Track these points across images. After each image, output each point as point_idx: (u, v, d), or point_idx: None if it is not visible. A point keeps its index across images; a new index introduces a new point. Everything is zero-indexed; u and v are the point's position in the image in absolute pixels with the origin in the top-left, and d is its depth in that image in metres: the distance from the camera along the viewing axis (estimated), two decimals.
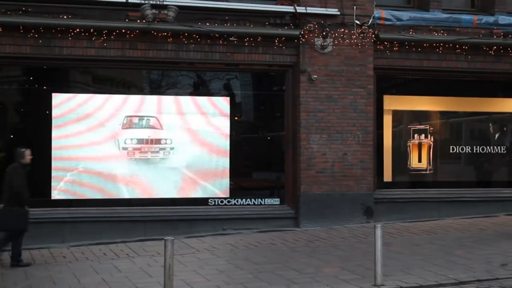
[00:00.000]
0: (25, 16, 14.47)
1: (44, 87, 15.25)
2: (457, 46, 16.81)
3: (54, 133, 15.03)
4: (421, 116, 17.55)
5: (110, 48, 15.04)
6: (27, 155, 12.80)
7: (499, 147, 17.80)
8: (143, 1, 14.68)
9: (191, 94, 16.19)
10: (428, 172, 17.39)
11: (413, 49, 16.66)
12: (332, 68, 16.01)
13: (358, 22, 16.05)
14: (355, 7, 16.02)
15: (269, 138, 16.99)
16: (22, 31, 14.46)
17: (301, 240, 14.27)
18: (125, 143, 15.50)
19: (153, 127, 15.65)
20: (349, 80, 16.10)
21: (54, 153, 15.04)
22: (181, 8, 14.83)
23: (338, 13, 16.00)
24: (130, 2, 14.80)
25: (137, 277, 11.13)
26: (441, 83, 17.63)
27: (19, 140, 15.20)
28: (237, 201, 15.89)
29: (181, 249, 13.36)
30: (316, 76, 15.84)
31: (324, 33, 15.81)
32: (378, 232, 10.22)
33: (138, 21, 14.86)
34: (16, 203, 12.49)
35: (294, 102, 16.02)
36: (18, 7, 14.52)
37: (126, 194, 15.51)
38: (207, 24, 15.31)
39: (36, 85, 15.40)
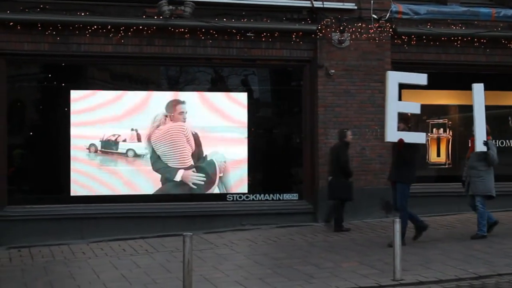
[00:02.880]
0: (43, 14, 14.53)
1: (63, 84, 15.31)
2: (475, 39, 16.74)
3: (73, 130, 15.09)
4: (440, 110, 17.48)
5: (127, 45, 15.08)
6: (349, 134, 14.97)
7: None
8: None
9: (208, 90, 16.20)
10: (447, 166, 17.32)
11: (431, 43, 16.60)
12: (350, 63, 15.97)
13: (375, 16, 16.01)
14: (372, 1, 15.99)
15: (287, 133, 16.96)
16: (40, 28, 14.53)
17: (320, 235, 14.27)
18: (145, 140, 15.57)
19: (173, 123, 15.67)
20: (367, 74, 16.06)
21: (73, 149, 15.09)
22: (197, 3, 14.85)
23: (355, 7, 15.97)
24: None
25: (156, 273, 11.16)
26: (460, 77, 17.51)
27: (38, 137, 15.34)
28: (256, 197, 15.90)
29: (200, 244, 13.39)
30: (333, 71, 15.81)
31: (341, 28, 15.78)
32: (397, 226, 10.20)
33: (155, 17, 14.90)
34: (343, 176, 14.66)
35: (311, 97, 15.99)
36: (36, 4, 14.59)
37: (145, 190, 15.54)
38: (224, 19, 15.32)
39: (55, 82, 15.45)
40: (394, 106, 12.69)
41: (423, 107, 17.13)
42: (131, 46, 15.11)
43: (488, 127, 13.51)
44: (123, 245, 13.97)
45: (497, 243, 12.80)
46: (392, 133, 12.69)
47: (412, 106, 13.27)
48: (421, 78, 13.28)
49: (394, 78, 12.88)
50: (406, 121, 13.10)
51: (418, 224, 13.26)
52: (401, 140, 12.67)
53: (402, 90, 16.72)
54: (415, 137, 13.04)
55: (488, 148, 13.21)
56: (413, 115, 13.64)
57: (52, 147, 15.24)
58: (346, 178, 14.77)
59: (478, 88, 13.53)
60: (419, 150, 13.51)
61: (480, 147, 13.23)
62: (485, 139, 13.20)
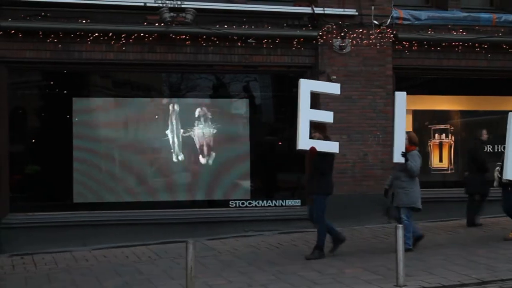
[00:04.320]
0: (45, 21, 14.55)
1: (64, 92, 15.32)
2: (477, 44, 16.76)
3: (75, 137, 15.09)
4: (442, 115, 17.49)
5: (129, 52, 15.10)
6: (484, 133, 15.89)
7: None
8: (161, 4, 14.72)
9: (210, 96, 16.22)
10: (449, 172, 17.33)
11: (432, 48, 16.62)
12: (351, 69, 15.99)
13: (376, 22, 16.02)
14: (373, 7, 15.99)
15: (289, 139, 16.94)
16: (41, 36, 14.54)
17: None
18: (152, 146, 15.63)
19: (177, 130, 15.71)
20: (368, 80, 16.07)
21: (75, 157, 15.09)
22: (199, 10, 14.87)
23: (356, 13, 15.98)
24: (148, 6, 14.84)
25: (159, 280, 11.15)
26: (461, 82, 17.56)
27: (40, 144, 15.35)
28: (258, 203, 15.90)
29: (202, 251, 13.39)
30: (335, 77, 15.81)
31: (342, 34, 15.80)
32: (400, 232, 10.19)
33: (157, 24, 14.92)
34: (479, 172, 15.29)
35: (313, 103, 15.96)
36: (37, 12, 14.61)
37: (148, 197, 15.56)
38: (225, 26, 15.33)
39: (56, 90, 15.46)
40: (306, 114, 12.44)
41: (425, 112, 17.28)
42: (133, 53, 15.12)
43: (415, 137, 13.23)
44: (126, 252, 13.97)
45: (500, 248, 12.78)
46: (304, 141, 12.36)
47: (325, 115, 12.93)
48: (335, 88, 13.13)
49: (306, 86, 12.63)
50: (322, 130, 12.78)
51: (335, 236, 12.85)
52: (313, 149, 12.31)
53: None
54: (329, 146, 12.65)
55: (406, 160, 12.72)
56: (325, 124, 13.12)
57: (54, 154, 15.24)
58: (483, 174, 15.36)
59: (400, 96, 13.02)
60: (334, 159, 12.93)
61: (397, 158, 12.79)
62: (403, 150, 12.75)
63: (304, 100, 12.50)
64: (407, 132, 13.09)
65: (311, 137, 12.49)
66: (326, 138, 12.77)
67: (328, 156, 12.59)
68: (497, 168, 13.77)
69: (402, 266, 10.05)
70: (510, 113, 13.61)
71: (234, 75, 16.43)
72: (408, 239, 12.66)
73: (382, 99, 16.13)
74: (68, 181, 15.06)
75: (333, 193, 12.79)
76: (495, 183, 13.92)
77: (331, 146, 12.71)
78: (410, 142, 12.98)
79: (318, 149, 12.34)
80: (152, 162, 15.71)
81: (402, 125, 12.86)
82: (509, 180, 13.40)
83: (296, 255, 12.86)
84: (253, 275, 11.25)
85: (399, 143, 12.80)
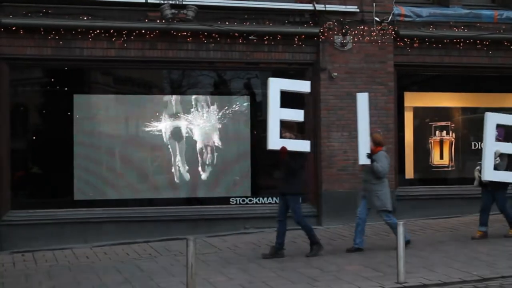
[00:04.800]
0: (46, 18, 14.56)
1: (65, 88, 15.33)
2: (478, 41, 16.73)
3: (76, 134, 15.10)
4: (442, 112, 17.48)
5: (130, 49, 15.09)
6: None
7: None
8: (162, 1, 14.70)
9: (211, 93, 16.21)
10: (450, 169, 17.32)
11: (434, 45, 16.60)
12: (352, 66, 15.98)
13: (377, 19, 16.01)
14: (374, 4, 15.99)
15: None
16: (42, 32, 14.55)
17: (323, 238, 14.21)
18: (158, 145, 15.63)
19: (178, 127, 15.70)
20: (369, 77, 16.06)
21: (76, 154, 15.10)
22: (200, 7, 14.86)
23: (358, 10, 15.97)
24: (150, 2, 14.84)
25: (160, 277, 11.16)
26: (462, 79, 17.56)
27: (41, 141, 15.36)
28: (259, 200, 15.90)
29: (203, 248, 13.39)
30: (336, 74, 15.82)
31: (343, 31, 15.78)
32: (401, 229, 10.18)
33: (158, 21, 14.91)
34: None
35: (314, 100, 15.99)
36: (39, 9, 14.61)
37: (148, 194, 15.57)
38: (227, 23, 15.32)
39: (57, 87, 15.47)
40: (276, 113, 12.23)
41: (426, 109, 17.26)
42: (134, 50, 15.12)
43: (380, 137, 13.02)
44: (126, 249, 13.98)
45: (501, 245, 12.79)
46: (274, 141, 12.17)
47: (295, 114, 12.67)
48: (304, 86, 12.94)
49: (276, 84, 12.42)
50: (291, 129, 12.58)
51: (279, 243, 12.51)
52: (283, 148, 12.12)
53: (405, 92, 16.89)
54: (299, 145, 12.41)
55: (372, 161, 12.55)
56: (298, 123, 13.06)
57: (55, 151, 15.24)
58: None
59: (362, 97, 12.85)
60: (306, 159, 12.84)
61: (363, 160, 12.59)
62: (369, 152, 12.57)
63: (273, 99, 12.27)
64: (371, 134, 12.82)
65: (282, 137, 12.32)
66: (297, 137, 12.62)
67: (300, 155, 12.40)
68: (478, 167, 13.65)
69: (403, 263, 10.04)
70: (486, 112, 13.56)
71: (235, 72, 16.42)
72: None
73: (384, 96, 16.12)
74: (69, 178, 15.06)
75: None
76: (475, 183, 13.78)
77: (302, 145, 12.48)
78: (375, 143, 12.78)
79: (289, 148, 12.16)
80: (152, 159, 15.71)
81: (365, 126, 12.65)
82: (489, 181, 13.33)
83: (296, 252, 12.86)
84: (254, 272, 11.26)
85: (364, 145, 12.60)
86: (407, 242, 12.53)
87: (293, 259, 12.23)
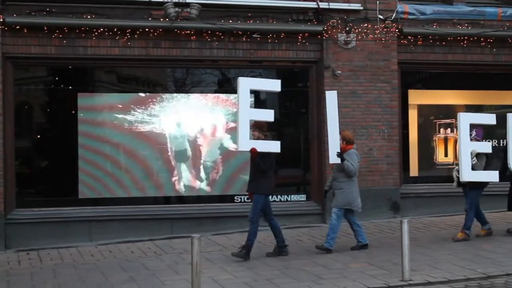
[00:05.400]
0: (49, 17, 14.57)
1: (70, 87, 15.35)
2: (482, 39, 16.71)
3: (80, 133, 15.11)
4: (447, 110, 17.46)
5: (134, 47, 15.10)
6: None
7: None
8: (166, 0, 14.70)
9: (215, 91, 16.22)
10: (454, 166, 17.25)
11: (437, 43, 16.57)
12: (356, 64, 15.97)
13: (381, 16, 16.00)
14: (378, 1, 15.97)
15: (294, 134, 16.96)
16: (46, 31, 14.56)
17: None
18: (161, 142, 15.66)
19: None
20: (373, 75, 16.05)
21: (81, 152, 15.12)
22: (203, 5, 14.86)
23: (361, 8, 15.96)
24: (153, 1, 14.85)
25: (165, 275, 11.18)
26: (466, 76, 17.54)
27: (45, 140, 15.41)
28: None
29: (208, 246, 13.41)
30: (340, 72, 15.82)
31: (347, 29, 15.78)
32: (405, 227, 10.19)
33: (161, 19, 14.91)
34: None
35: (318, 98, 15.98)
36: (42, 8, 14.62)
37: (152, 192, 15.58)
38: (230, 21, 15.33)
39: (62, 85, 15.50)
40: (246, 114, 12.05)
41: (430, 107, 17.25)
42: (138, 48, 15.13)
43: (349, 135, 12.86)
44: (131, 247, 14.00)
45: (506, 243, 12.79)
46: (244, 142, 11.99)
47: (265, 114, 12.58)
48: (275, 85, 12.74)
49: (245, 84, 12.21)
50: (262, 129, 12.32)
51: (249, 244, 12.31)
52: (253, 150, 11.94)
53: (409, 90, 16.89)
54: (269, 146, 12.24)
55: (343, 160, 12.40)
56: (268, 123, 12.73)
57: (59, 149, 15.27)
58: None
59: (331, 96, 12.70)
60: (275, 159, 12.55)
61: (333, 158, 12.46)
62: (339, 150, 12.39)
63: (243, 99, 12.08)
64: (341, 132, 12.70)
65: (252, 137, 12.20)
66: (266, 137, 12.41)
67: (269, 156, 12.22)
68: (456, 168, 13.54)
69: (408, 260, 10.06)
70: (459, 113, 13.40)
71: (239, 70, 16.38)
72: (331, 239, 12.54)
73: (388, 93, 16.11)
74: (74, 176, 15.08)
75: (271, 193, 12.72)
76: (455, 184, 13.67)
77: (272, 146, 12.31)
78: (344, 141, 12.65)
79: (259, 149, 11.98)
80: (157, 157, 15.70)
81: (335, 125, 12.51)
82: (467, 182, 13.16)
83: (301, 250, 12.87)
84: (259, 270, 11.27)
85: (334, 144, 12.47)
86: (363, 246, 12.63)
87: (298, 257, 12.23)
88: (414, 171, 17.00)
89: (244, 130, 12.03)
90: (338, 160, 12.44)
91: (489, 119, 13.65)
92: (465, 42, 16.68)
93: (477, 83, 17.69)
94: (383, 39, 16.05)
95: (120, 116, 15.43)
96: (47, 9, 14.63)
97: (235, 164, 15.89)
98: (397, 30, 16.16)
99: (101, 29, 14.76)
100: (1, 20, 14.20)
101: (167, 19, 14.85)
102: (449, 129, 17.22)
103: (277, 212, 15.25)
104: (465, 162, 12.96)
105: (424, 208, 16.37)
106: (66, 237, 14.50)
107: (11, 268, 12.53)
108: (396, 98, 16.27)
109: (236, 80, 16.26)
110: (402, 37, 16.29)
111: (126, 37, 14.92)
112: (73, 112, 15.17)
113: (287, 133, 16.94)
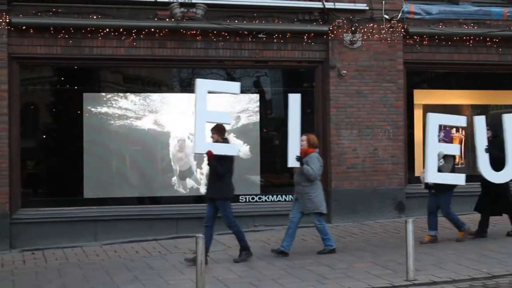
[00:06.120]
0: (56, 17, 14.59)
1: (75, 87, 15.39)
2: (488, 39, 16.68)
3: (86, 133, 15.14)
4: (452, 110, 17.32)
5: (139, 47, 15.12)
6: None
7: None
8: (172, 0, 14.72)
9: (221, 91, 16.17)
10: (459, 166, 17.24)
11: (443, 42, 16.55)
12: (362, 63, 15.96)
13: (387, 16, 15.99)
14: (384, 1, 15.96)
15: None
16: (52, 32, 14.59)
17: (333, 236, 14.19)
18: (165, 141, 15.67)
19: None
20: (379, 75, 16.04)
21: (86, 152, 15.13)
22: (209, 6, 14.87)
23: (367, 8, 15.95)
24: (159, 1, 14.86)
25: (170, 274, 11.20)
26: (472, 76, 17.51)
27: (51, 140, 15.45)
28: (268, 198, 15.91)
29: (212, 246, 13.36)
30: (345, 72, 15.81)
31: (353, 28, 15.76)
32: (410, 227, 10.19)
33: (167, 19, 14.92)
34: None
35: (324, 98, 15.99)
36: (48, 8, 14.65)
37: (157, 192, 15.60)
38: (236, 21, 15.35)
39: (67, 86, 15.53)
40: (203, 116, 11.76)
41: (435, 107, 17.21)
42: (143, 48, 15.14)
43: (315, 138, 12.69)
44: (136, 247, 14.02)
45: (511, 243, 12.75)
46: (200, 145, 11.76)
47: (222, 116, 12.41)
48: (234, 87, 12.54)
49: (203, 86, 11.94)
50: (221, 132, 12.09)
51: (242, 244, 12.24)
52: (210, 152, 11.68)
53: (414, 90, 16.87)
54: (226, 149, 12.02)
55: (302, 164, 12.14)
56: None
57: (65, 150, 15.31)
58: None
59: (293, 98, 12.38)
60: (233, 162, 12.29)
61: (292, 162, 12.18)
62: (298, 154, 12.09)
63: (200, 101, 11.79)
64: (306, 134, 12.55)
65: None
66: (224, 140, 12.20)
67: (226, 159, 11.99)
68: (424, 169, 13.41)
69: (412, 260, 10.06)
70: (428, 113, 13.22)
71: (244, 70, 16.43)
72: (328, 241, 12.50)
73: (393, 93, 16.10)
74: (79, 176, 15.11)
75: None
76: (423, 185, 13.53)
77: (229, 149, 12.14)
78: (309, 144, 12.45)
79: (215, 152, 11.75)
80: (162, 157, 15.72)
81: (296, 128, 12.25)
82: (433, 183, 12.98)
83: (305, 250, 12.88)
84: (263, 269, 11.28)
85: (294, 147, 12.19)
86: (331, 251, 12.48)
87: (302, 256, 12.23)
88: (419, 171, 16.95)
89: (201, 133, 11.81)
90: (297, 164, 12.19)
91: (459, 121, 13.35)
92: (471, 42, 16.65)
93: (483, 83, 17.66)
94: (388, 39, 16.04)
95: (126, 116, 15.45)
96: (53, 10, 14.66)
97: (240, 164, 15.86)
98: (402, 30, 16.14)
99: (107, 30, 14.78)
100: (7, 20, 14.23)
101: (172, 20, 14.86)
102: (454, 129, 17.17)
103: (281, 212, 15.34)
104: (431, 164, 12.63)
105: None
106: (71, 236, 14.53)
107: (16, 267, 12.57)
108: (401, 98, 16.26)
109: (242, 80, 16.43)
110: (407, 37, 16.28)
111: (132, 38, 14.94)
112: (79, 112, 15.20)
113: None
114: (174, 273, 11.36)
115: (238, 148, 12.26)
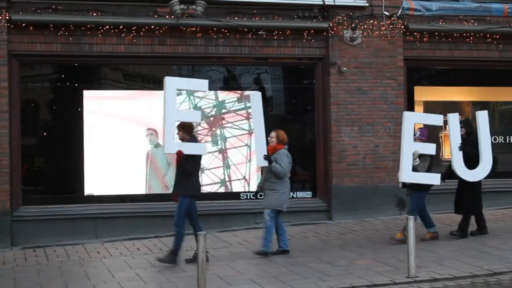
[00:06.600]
0: (55, 14, 14.57)
1: (75, 84, 15.36)
2: (488, 35, 16.67)
3: (86, 130, 15.13)
4: (453, 106, 17.37)
5: (139, 44, 15.10)
6: None
7: None
8: None
9: (221, 88, 16.20)
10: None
11: (443, 39, 16.54)
12: (362, 60, 15.96)
13: (387, 13, 15.98)
14: None
15: (300, 131, 16.95)
16: (52, 29, 14.57)
17: (334, 233, 14.27)
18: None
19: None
20: (379, 71, 16.03)
21: (86, 149, 15.13)
22: (209, 2, 14.85)
23: (367, 4, 15.94)
24: None
25: (171, 272, 11.19)
26: (472, 73, 17.50)
27: (51, 137, 15.42)
28: None
29: (213, 243, 13.43)
30: (345, 69, 15.80)
31: (353, 25, 15.74)
32: (411, 223, 10.19)
33: (167, 16, 14.91)
34: None
35: (324, 94, 15.98)
36: (48, 5, 14.63)
37: (158, 189, 15.59)
38: (236, 18, 15.33)
39: (68, 83, 15.49)
40: (172, 115, 11.54)
41: (436, 103, 17.22)
42: (143, 45, 15.13)
43: (284, 135, 12.47)
44: (137, 244, 14.02)
45: None
46: (170, 144, 11.54)
47: (192, 115, 12.29)
48: (202, 85, 12.24)
49: (172, 84, 11.64)
50: (187, 130, 11.96)
51: (175, 247, 11.96)
52: (180, 152, 11.49)
53: (415, 87, 16.86)
54: (196, 149, 11.89)
55: (270, 162, 11.94)
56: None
57: (65, 147, 15.28)
58: None
59: (255, 97, 12.25)
60: (200, 161, 12.20)
61: (260, 161, 12.08)
62: (266, 153, 11.92)
63: (170, 99, 11.52)
64: (276, 130, 12.47)
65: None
66: (192, 138, 12.08)
67: (194, 157, 11.86)
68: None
69: (414, 257, 10.06)
70: (404, 112, 13.14)
71: (244, 67, 16.42)
72: (268, 242, 12.19)
73: (394, 90, 16.10)
74: (79, 173, 15.10)
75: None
76: (400, 185, 13.42)
77: (198, 149, 12.00)
78: (278, 140, 12.31)
79: (185, 152, 11.56)
80: (163, 154, 15.68)
81: (260, 126, 12.12)
82: (408, 183, 12.83)
83: (307, 247, 12.87)
84: (264, 267, 11.28)
85: (260, 146, 12.07)
86: (284, 252, 12.30)
87: (303, 253, 12.23)
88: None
89: (170, 133, 11.64)
90: (265, 163, 12.06)
91: (435, 120, 13.08)
92: (471, 39, 16.64)
93: (483, 80, 17.65)
94: (389, 35, 16.03)
95: (126, 113, 15.43)
96: (53, 7, 14.65)
97: (241, 161, 15.88)
98: (403, 27, 16.13)
99: (107, 27, 14.76)
100: (7, 17, 14.22)
101: (172, 16, 14.85)
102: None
103: None
104: (406, 163, 12.34)
105: (430, 205, 16.17)
106: (72, 234, 14.53)
107: (18, 265, 12.55)
108: (402, 95, 16.25)
109: (242, 77, 16.44)
110: (408, 33, 16.27)
111: (131, 35, 14.93)
112: (79, 109, 15.19)
113: (292, 130, 16.89)
114: (175, 270, 11.36)
115: (207, 147, 12.07)
